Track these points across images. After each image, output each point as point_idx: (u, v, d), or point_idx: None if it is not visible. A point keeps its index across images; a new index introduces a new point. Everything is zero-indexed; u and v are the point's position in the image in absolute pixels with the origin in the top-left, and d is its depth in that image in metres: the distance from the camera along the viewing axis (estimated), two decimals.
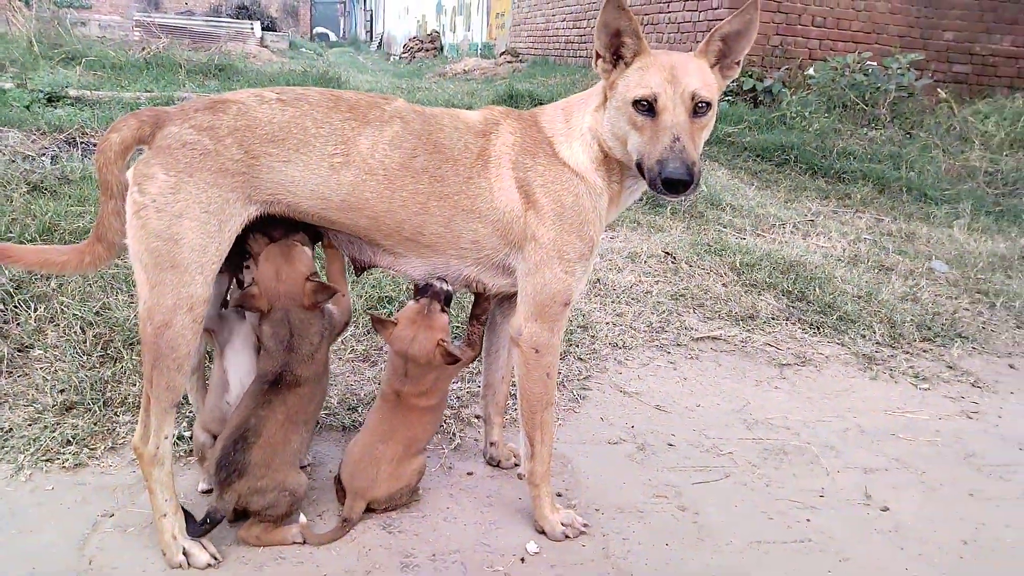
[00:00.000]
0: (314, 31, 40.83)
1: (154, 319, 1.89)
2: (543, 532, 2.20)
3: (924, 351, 3.86)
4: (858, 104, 9.69)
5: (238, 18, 28.42)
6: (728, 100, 10.34)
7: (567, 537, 2.19)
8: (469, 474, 2.52)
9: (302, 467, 2.24)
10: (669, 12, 12.18)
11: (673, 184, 1.86)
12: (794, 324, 4.07)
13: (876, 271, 5.02)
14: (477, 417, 2.76)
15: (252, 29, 22.51)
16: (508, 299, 2.26)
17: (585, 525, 2.23)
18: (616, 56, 2.02)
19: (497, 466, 2.56)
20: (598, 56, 2.04)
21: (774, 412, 3.14)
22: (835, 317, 4.11)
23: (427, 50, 22.25)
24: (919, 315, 4.20)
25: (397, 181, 2.00)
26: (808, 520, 2.38)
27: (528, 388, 2.15)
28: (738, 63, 2.07)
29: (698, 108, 1.94)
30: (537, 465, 2.20)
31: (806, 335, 3.96)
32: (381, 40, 34.64)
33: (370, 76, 16.21)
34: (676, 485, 2.53)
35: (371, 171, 1.99)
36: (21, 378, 2.73)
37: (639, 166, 1.97)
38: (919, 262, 5.37)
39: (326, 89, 2.12)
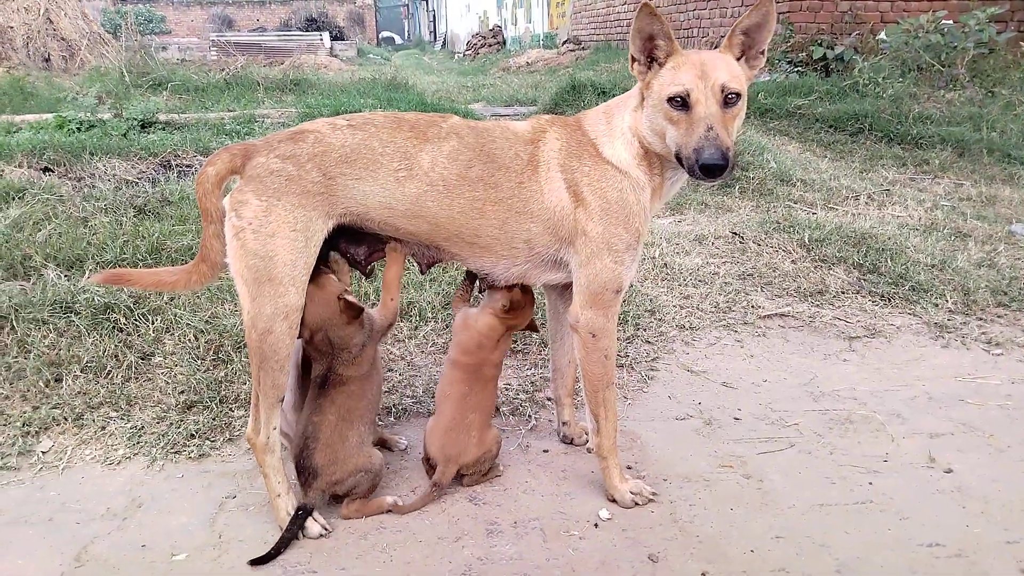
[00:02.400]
0: (380, 36, 41.73)
1: (257, 327, 2.17)
2: (614, 500, 2.39)
3: (999, 317, 3.84)
4: (934, 66, 9.38)
5: (307, 30, 29.35)
6: (798, 71, 10.18)
7: (636, 504, 2.37)
8: (545, 451, 2.73)
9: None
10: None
11: (710, 169, 2.02)
12: (864, 297, 4.10)
13: (952, 238, 4.95)
14: (548, 399, 2.95)
15: (321, 40, 23.29)
16: (566, 289, 2.44)
17: (653, 493, 2.41)
18: (650, 58, 2.19)
19: (571, 444, 2.76)
20: (633, 60, 2.21)
21: (841, 384, 3.22)
22: (907, 287, 4.11)
23: (490, 45, 22.52)
24: (995, 281, 4.16)
25: (455, 190, 2.23)
26: (870, 484, 2.49)
27: (589, 369, 2.35)
28: (762, 53, 2.21)
29: (728, 99, 2.10)
30: (604, 439, 2.39)
31: (876, 307, 3.99)
32: (445, 39, 35.13)
33: (436, 77, 16.60)
34: (741, 455, 2.67)
35: (432, 183, 2.21)
36: (146, 382, 3.09)
37: (678, 157, 2.14)
38: (999, 226, 5.26)
39: (389, 112, 2.36)
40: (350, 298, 2.35)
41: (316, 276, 2.34)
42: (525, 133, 2.35)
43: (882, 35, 10.24)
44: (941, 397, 3.07)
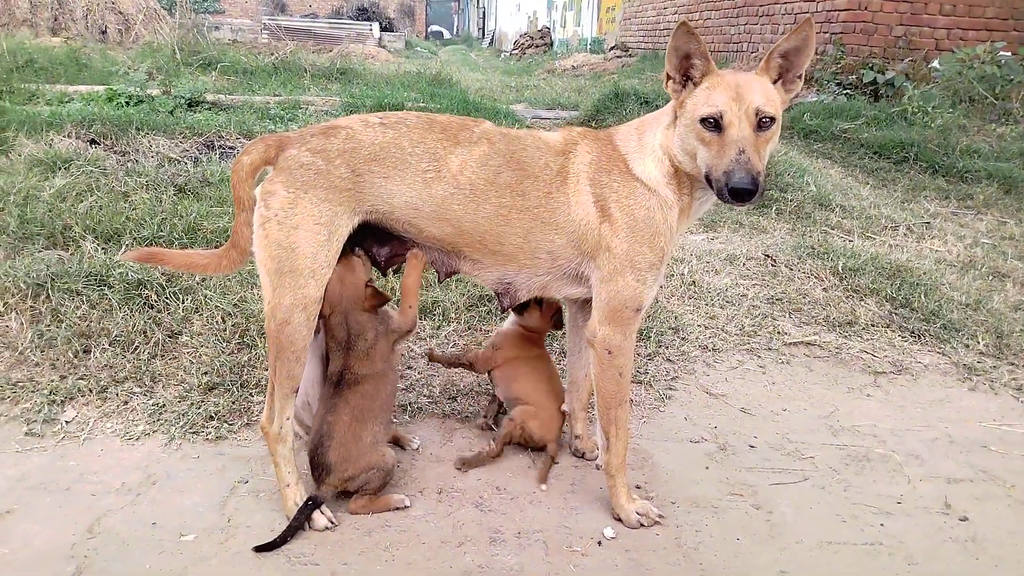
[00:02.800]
0: (429, 30, 41.94)
1: (276, 317, 2.20)
2: (619, 520, 2.39)
3: None
4: (987, 98, 9.18)
5: (358, 19, 29.60)
6: (847, 93, 10.04)
7: (642, 525, 2.36)
8: (555, 463, 2.73)
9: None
10: (786, 3, 11.87)
11: (739, 193, 2.00)
12: (894, 331, 4.03)
13: (990, 278, 4.85)
14: (562, 411, 2.95)
15: (371, 30, 23.48)
16: (587, 303, 2.44)
17: (660, 516, 2.40)
18: (685, 77, 2.18)
19: (582, 457, 2.76)
20: (668, 77, 2.20)
21: (862, 420, 3.17)
22: (939, 325, 4.04)
23: (537, 46, 22.51)
24: None
25: (482, 195, 2.23)
26: (882, 525, 2.45)
27: (603, 386, 2.34)
28: (800, 77, 2.19)
29: (762, 123, 2.08)
30: (613, 457, 2.39)
31: (906, 343, 3.92)
32: (493, 37, 35.19)
33: (480, 74, 16.62)
34: (753, 484, 2.65)
35: (459, 186, 2.23)
36: (171, 361, 3.15)
37: (708, 178, 2.13)
38: None
39: (423, 113, 2.38)
40: (377, 286, 2.40)
41: (347, 260, 2.38)
42: (556, 144, 2.35)
43: (935, 63, 10.05)
44: (963, 441, 3.01)
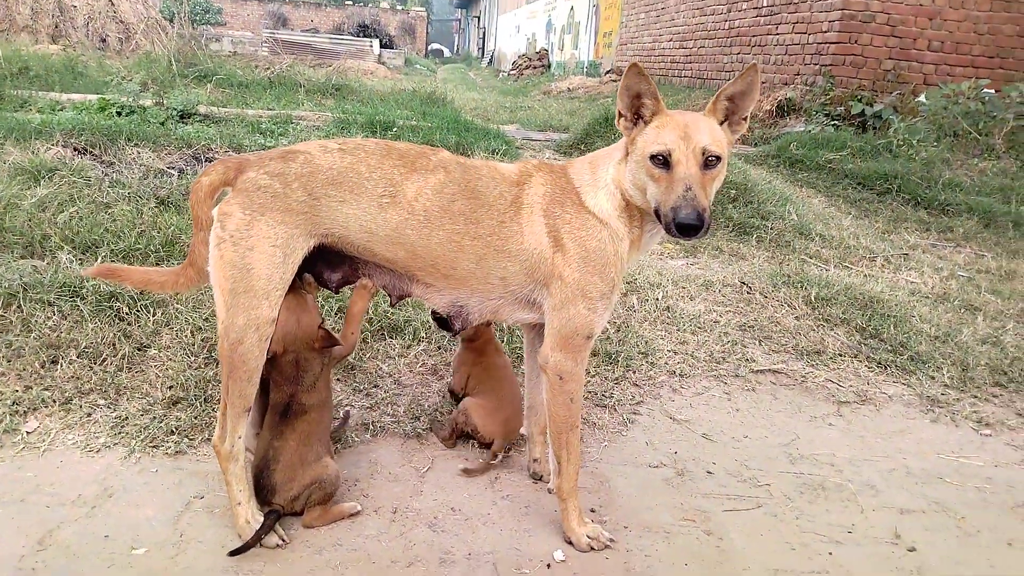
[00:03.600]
0: (429, 48, 42.27)
1: (229, 336, 2.23)
2: (571, 543, 2.41)
3: (994, 396, 3.80)
4: (971, 133, 9.31)
5: (359, 36, 29.84)
6: (834, 124, 10.16)
7: (592, 549, 2.38)
8: (512, 486, 2.75)
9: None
10: (777, 34, 12.04)
11: (685, 228, 2.06)
12: (861, 361, 4.08)
13: (962, 310, 4.91)
14: (521, 435, 2.98)
15: (371, 47, 23.66)
16: (543, 329, 2.47)
17: (611, 540, 2.42)
18: (636, 115, 2.25)
19: (539, 480, 2.78)
20: (620, 115, 2.26)
21: (822, 448, 3.21)
22: (906, 356, 4.09)
23: (535, 67, 22.71)
24: (997, 359, 4.11)
25: (436, 221, 2.28)
26: (830, 553, 2.47)
27: (554, 411, 2.38)
28: (745, 119, 2.26)
29: (708, 161, 2.15)
30: (564, 481, 2.41)
31: (872, 373, 3.96)
32: (492, 56, 35.47)
33: (477, 94, 16.76)
34: (706, 511, 2.68)
35: (414, 212, 2.27)
36: (138, 374, 3.17)
37: (656, 212, 2.19)
38: (1013, 303, 5.19)
39: (381, 140, 2.42)
40: (327, 330, 2.44)
41: (302, 299, 2.44)
42: (512, 175, 2.41)
43: (922, 97, 10.19)
44: (919, 472, 3.04)
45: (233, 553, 2.21)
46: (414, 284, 2.42)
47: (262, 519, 2.30)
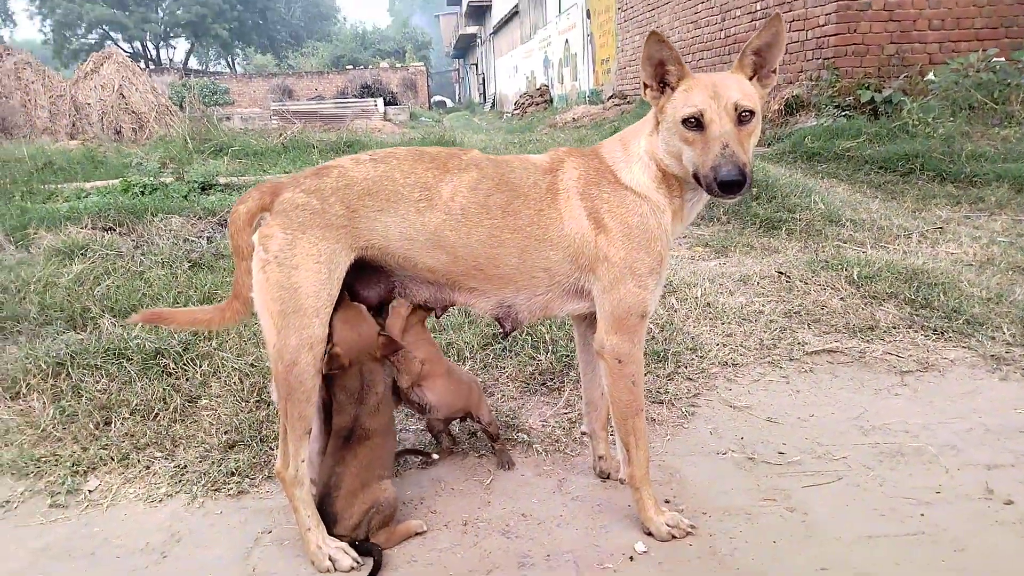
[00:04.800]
0: (432, 100, 43.03)
1: (284, 359, 2.20)
2: (650, 534, 2.33)
3: None
4: (987, 103, 9.20)
5: (362, 96, 30.46)
6: (845, 115, 10.10)
7: (673, 537, 2.30)
8: (581, 486, 2.67)
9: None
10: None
11: (728, 185, 2.02)
12: (916, 331, 3.96)
13: (1010, 272, 4.77)
14: (584, 434, 2.91)
15: (375, 105, 24.13)
16: (592, 319, 2.42)
17: (692, 526, 2.34)
18: (662, 83, 2.22)
19: (607, 478, 2.71)
20: (646, 86, 2.24)
21: (892, 417, 3.10)
22: (961, 321, 3.96)
23: (537, 104, 22.97)
24: None
25: (474, 219, 2.25)
26: (922, 515, 2.36)
27: (616, 396, 2.32)
28: (774, 71, 2.23)
29: (742, 117, 2.11)
30: (635, 468, 2.34)
31: (929, 341, 3.84)
32: (494, 100, 36.00)
33: (483, 135, 16.94)
34: (785, 489, 2.58)
35: (451, 212, 2.25)
36: (192, 424, 3.16)
37: (696, 176, 2.15)
38: None
39: (411, 147, 2.42)
40: (390, 334, 2.41)
41: (353, 308, 2.41)
42: (543, 163, 2.39)
43: (931, 75, 10.11)
44: (998, 429, 2.92)
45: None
46: (457, 292, 2.38)
47: (342, 548, 2.27)
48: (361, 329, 2.39)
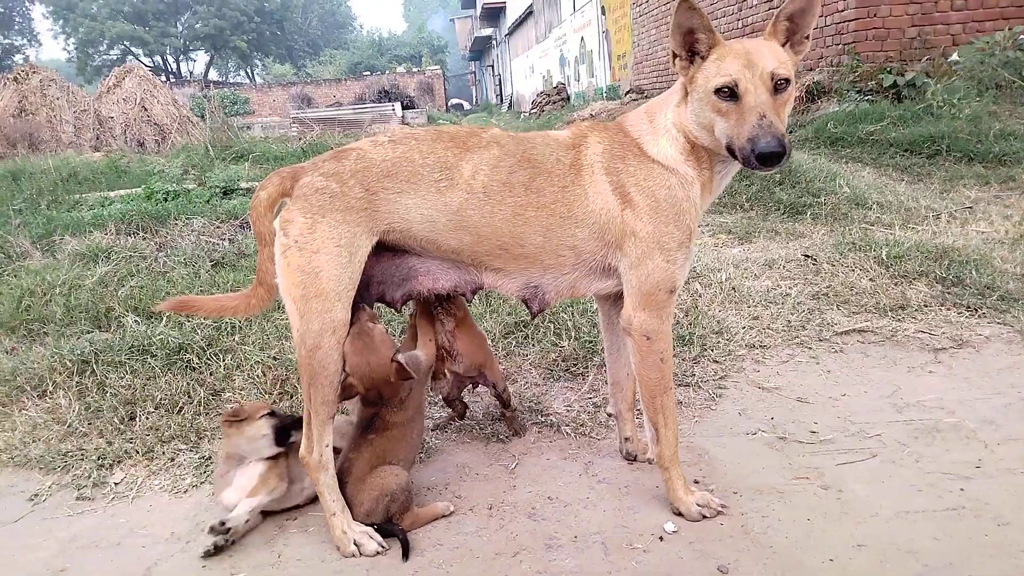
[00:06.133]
0: (449, 103, 43.12)
1: (307, 343, 2.18)
2: (680, 514, 2.27)
3: None
4: (1014, 82, 8.99)
5: (380, 102, 30.60)
6: (868, 99, 9.92)
7: (704, 516, 2.24)
8: (607, 468, 2.62)
9: None
10: None
11: (767, 157, 1.95)
12: (949, 309, 3.86)
13: None
14: (610, 415, 2.86)
15: (393, 110, 24.24)
16: (619, 299, 2.36)
17: (723, 505, 2.28)
18: (691, 53, 2.15)
19: (633, 460, 2.65)
20: (675, 56, 2.18)
21: (927, 395, 3.01)
22: (995, 297, 3.86)
23: (555, 102, 22.90)
24: None
25: (497, 197, 2.20)
26: (962, 490, 2.29)
27: (644, 374, 2.26)
28: (807, 37, 2.15)
29: (778, 85, 2.04)
30: (664, 448, 2.29)
31: (962, 318, 3.74)
32: (511, 100, 35.98)
33: None
34: (818, 467, 2.51)
35: (473, 191, 2.20)
36: (215, 416, 3.16)
37: (730, 149, 2.08)
38: None
39: (430, 127, 2.38)
40: (402, 359, 2.32)
41: (370, 339, 2.33)
42: (566, 139, 2.34)
43: (954, 56, 9.91)
44: None
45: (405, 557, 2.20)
46: (484, 273, 2.33)
47: (367, 532, 2.25)
48: (370, 360, 2.32)
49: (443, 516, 2.37)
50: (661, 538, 2.19)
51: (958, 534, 2.08)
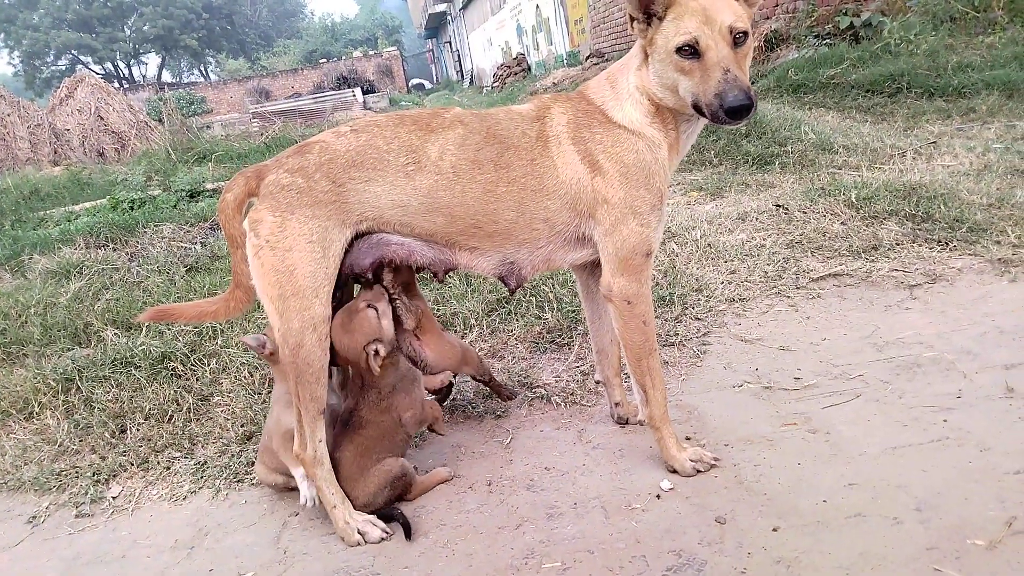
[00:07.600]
0: (410, 84, 42.64)
1: (289, 342, 2.18)
2: (674, 471, 2.32)
3: None
4: (968, 13, 9.06)
5: (340, 88, 30.19)
6: (827, 43, 9.95)
7: (698, 471, 2.29)
8: (600, 435, 2.66)
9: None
10: None
11: (735, 111, 1.96)
12: (921, 245, 3.93)
13: (1008, 176, 4.72)
14: (599, 383, 2.90)
15: (354, 96, 23.92)
16: (596, 267, 2.38)
17: (715, 459, 2.33)
18: (648, 14, 2.15)
19: (625, 424, 2.69)
20: (632, 19, 2.17)
21: (905, 331, 3.07)
22: (964, 229, 3.93)
23: (516, 73, 22.75)
24: None
25: (466, 175, 2.20)
26: (945, 421, 2.35)
27: (629, 338, 2.29)
28: None
29: (737, 39, 2.04)
30: (654, 408, 2.32)
31: (934, 253, 3.81)
32: (472, 76, 35.66)
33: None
34: (805, 412, 2.57)
35: (442, 171, 2.19)
36: (207, 421, 3.16)
37: (695, 106, 2.08)
38: None
39: (392, 112, 2.37)
40: (380, 348, 2.31)
41: (349, 319, 2.32)
42: (530, 112, 2.33)
43: None
44: (1013, 330, 2.89)
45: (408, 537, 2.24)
46: (458, 252, 2.32)
47: (369, 520, 2.28)
48: (343, 340, 2.31)
49: (446, 481, 2.44)
50: (658, 496, 2.23)
51: (944, 464, 2.14)
